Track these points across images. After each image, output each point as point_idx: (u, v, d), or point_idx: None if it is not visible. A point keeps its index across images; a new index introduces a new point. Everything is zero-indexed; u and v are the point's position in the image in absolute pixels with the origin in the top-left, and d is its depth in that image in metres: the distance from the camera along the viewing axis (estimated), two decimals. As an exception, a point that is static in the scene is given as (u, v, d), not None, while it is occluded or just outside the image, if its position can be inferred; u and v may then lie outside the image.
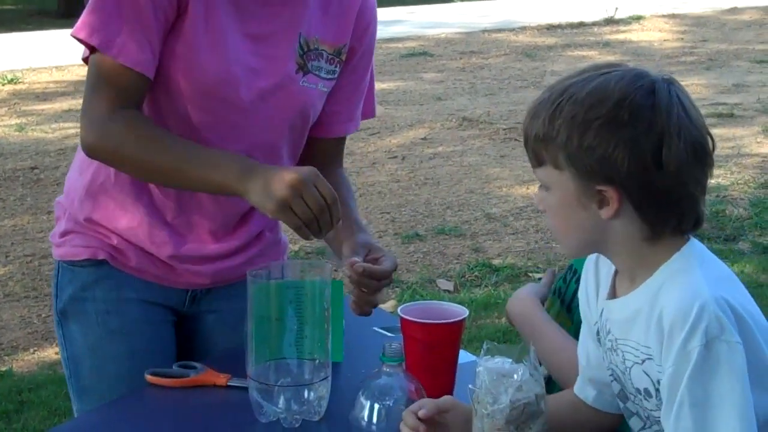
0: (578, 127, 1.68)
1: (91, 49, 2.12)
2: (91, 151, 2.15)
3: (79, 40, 2.13)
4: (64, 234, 2.33)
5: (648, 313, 1.71)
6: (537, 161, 1.76)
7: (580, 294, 1.96)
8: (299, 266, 2.13)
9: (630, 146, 1.66)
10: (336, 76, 2.32)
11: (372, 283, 2.16)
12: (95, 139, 2.13)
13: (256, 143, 2.23)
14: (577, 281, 2.03)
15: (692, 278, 1.68)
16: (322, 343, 2.02)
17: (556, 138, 1.70)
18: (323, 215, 2.00)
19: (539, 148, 1.74)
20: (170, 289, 2.33)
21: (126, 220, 2.26)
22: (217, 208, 2.27)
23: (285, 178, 1.99)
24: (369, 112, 2.48)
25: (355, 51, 2.34)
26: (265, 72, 2.21)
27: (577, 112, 1.68)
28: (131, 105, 2.13)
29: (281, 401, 1.99)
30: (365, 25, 2.35)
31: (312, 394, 2.01)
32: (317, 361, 2.02)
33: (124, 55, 2.08)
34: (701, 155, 1.70)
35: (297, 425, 1.99)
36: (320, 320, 2.01)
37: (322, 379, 2.02)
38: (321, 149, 2.40)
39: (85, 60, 2.16)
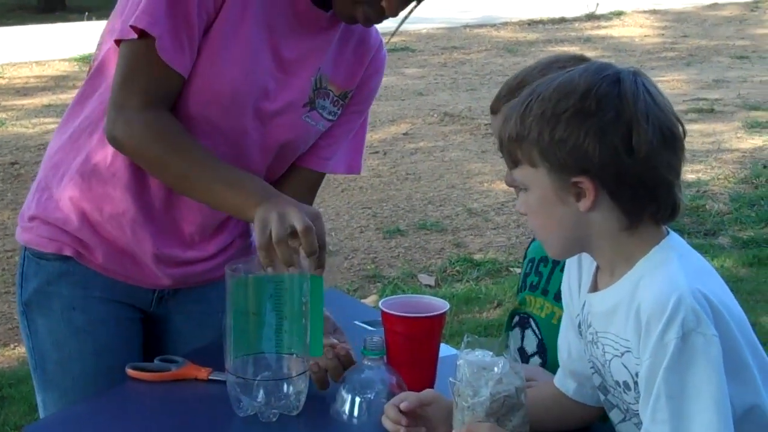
0: (548, 121, 1.70)
1: (140, 35, 2.04)
2: (114, 143, 2.11)
3: (133, 28, 2.05)
4: (32, 218, 2.28)
5: (627, 306, 1.72)
6: (513, 162, 1.77)
7: (563, 287, 1.97)
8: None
9: (599, 135, 1.68)
10: (336, 118, 2.31)
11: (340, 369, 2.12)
12: (121, 134, 2.09)
13: (252, 158, 2.22)
14: (557, 270, 2.04)
15: (670, 271, 1.70)
16: (300, 338, 2.01)
17: (528, 135, 1.72)
18: (310, 254, 1.97)
19: (514, 148, 1.75)
20: (136, 288, 2.30)
21: (112, 207, 2.21)
22: (199, 213, 2.25)
23: (291, 214, 1.97)
24: (355, 168, 2.43)
25: (358, 96, 2.34)
26: (277, 95, 2.20)
27: (546, 108, 1.71)
28: (163, 104, 2.09)
29: (260, 395, 1.99)
30: (372, 71, 2.35)
31: (290, 388, 2.00)
32: (295, 355, 2.01)
33: (164, 50, 2.04)
34: (671, 140, 1.71)
35: (274, 419, 1.99)
36: (299, 315, 2.01)
37: (301, 374, 2.01)
38: (297, 178, 2.36)
39: (117, 43, 2.10)
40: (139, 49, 2.06)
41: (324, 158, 2.36)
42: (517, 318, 2.27)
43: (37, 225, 2.27)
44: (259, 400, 1.99)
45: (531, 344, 2.23)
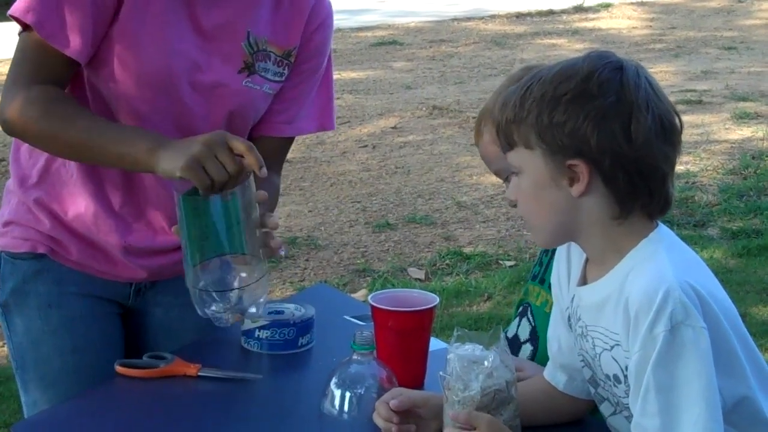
0: (548, 103, 1.70)
1: (25, 27, 2.09)
2: (5, 127, 2.12)
3: (15, 18, 2.09)
4: (6, 224, 2.30)
5: (616, 299, 1.72)
6: (508, 145, 1.77)
7: (553, 279, 1.97)
8: None
9: (599, 119, 1.68)
10: (284, 78, 2.28)
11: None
12: (9, 114, 2.09)
13: (188, 134, 2.13)
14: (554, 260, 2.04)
15: (658, 264, 1.69)
16: (251, 240, 1.98)
17: (527, 117, 1.72)
18: (236, 178, 1.94)
19: (511, 130, 1.75)
20: (113, 282, 2.30)
21: (74, 206, 2.22)
22: (165, 199, 2.21)
23: (198, 138, 1.96)
24: (328, 124, 2.40)
25: (304, 52, 2.29)
26: (207, 67, 2.17)
27: (546, 90, 1.71)
28: (50, 83, 2.10)
29: (216, 303, 1.97)
30: (316, 25, 2.29)
31: (246, 292, 1.98)
32: (249, 255, 1.98)
33: (53, 36, 2.06)
34: (670, 132, 1.72)
35: (232, 322, 2.00)
36: (245, 218, 1.98)
37: (259, 278, 1.98)
38: (260, 149, 2.31)
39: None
40: (24, 36, 2.11)
41: (282, 122, 2.33)
42: (521, 308, 2.29)
43: (11, 229, 2.29)
44: (216, 305, 1.97)
45: (525, 331, 2.24)
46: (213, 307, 1.98)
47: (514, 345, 2.23)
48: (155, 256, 2.29)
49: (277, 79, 2.26)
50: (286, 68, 2.27)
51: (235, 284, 1.98)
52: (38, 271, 2.27)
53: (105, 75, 2.13)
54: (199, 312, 1.99)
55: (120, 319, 2.35)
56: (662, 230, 1.77)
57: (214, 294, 1.97)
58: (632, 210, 1.73)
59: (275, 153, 2.35)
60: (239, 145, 1.94)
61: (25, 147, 2.28)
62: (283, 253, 2.09)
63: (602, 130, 1.68)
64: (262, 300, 2.02)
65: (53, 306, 2.27)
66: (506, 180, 2.18)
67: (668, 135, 1.72)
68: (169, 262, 2.29)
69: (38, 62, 2.10)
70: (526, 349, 2.22)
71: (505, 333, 2.30)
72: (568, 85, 1.70)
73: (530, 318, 2.23)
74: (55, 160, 2.22)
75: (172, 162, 1.95)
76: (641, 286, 1.67)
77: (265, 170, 1.96)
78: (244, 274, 1.98)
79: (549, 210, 1.76)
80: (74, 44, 2.07)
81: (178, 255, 2.26)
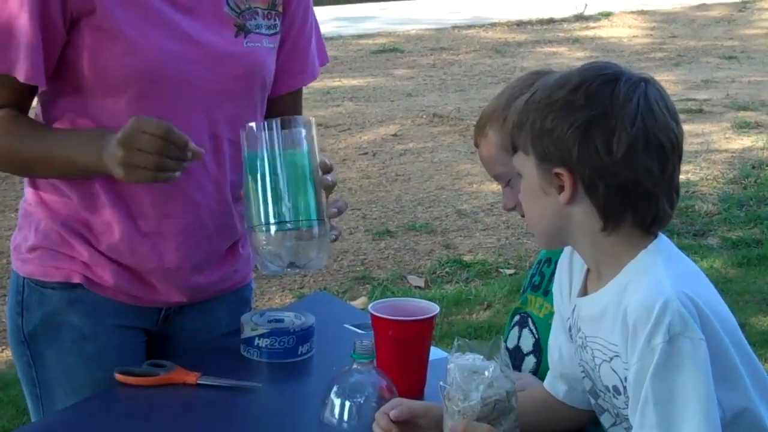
0: (542, 110, 1.73)
1: None
2: None
3: None
4: (33, 249, 2.21)
5: (614, 311, 1.72)
6: (513, 149, 1.81)
7: (554, 290, 1.97)
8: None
9: (582, 129, 1.69)
10: (278, 30, 2.25)
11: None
12: None
13: (216, 118, 2.17)
14: None
15: (655, 275, 1.69)
16: (315, 204, 2.04)
17: (526, 123, 1.75)
18: (167, 151, 1.95)
19: (515, 135, 1.79)
20: (145, 309, 2.25)
21: (107, 232, 2.16)
22: (196, 213, 2.19)
23: (113, 141, 1.97)
24: (323, 59, 2.41)
25: None
26: (204, 41, 2.14)
27: (543, 97, 1.74)
28: (10, 107, 2.10)
29: (280, 248, 2.01)
30: None
31: (313, 247, 2.03)
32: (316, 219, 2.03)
33: (2, 64, 2.05)
34: (656, 149, 1.70)
35: (296, 272, 2.02)
36: (310, 182, 2.04)
37: (323, 235, 2.04)
38: (279, 108, 2.32)
39: None
40: None
41: (300, 72, 2.35)
42: (517, 317, 2.27)
43: (39, 255, 2.21)
44: (279, 251, 2.01)
45: (527, 343, 2.23)
46: (272, 267, 2.02)
47: (517, 357, 2.21)
48: (193, 275, 2.25)
49: (272, 32, 2.24)
50: (277, 19, 2.25)
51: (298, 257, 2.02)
52: (72, 302, 2.20)
53: (85, 83, 2.09)
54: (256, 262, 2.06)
55: (145, 346, 2.31)
56: (661, 241, 1.77)
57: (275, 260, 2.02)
58: (619, 223, 1.73)
59: (298, 106, 2.39)
60: (153, 128, 1.95)
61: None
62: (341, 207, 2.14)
63: (583, 141, 1.69)
64: (319, 257, 2.05)
65: (88, 338, 2.21)
66: (507, 185, 2.18)
67: (654, 152, 1.70)
68: (208, 281, 2.27)
69: None
70: (530, 361, 2.21)
71: (506, 344, 2.29)
72: (560, 94, 1.72)
73: (533, 330, 2.22)
74: (81, 183, 2.15)
75: (117, 174, 1.99)
76: (639, 298, 1.67)
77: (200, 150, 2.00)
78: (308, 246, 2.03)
79: (542, 215, 1.78)
80: (25, 69, 2.04)
81: (215, 272, 2.28)
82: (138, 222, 2.16)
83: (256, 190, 2.02)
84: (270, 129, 2.03)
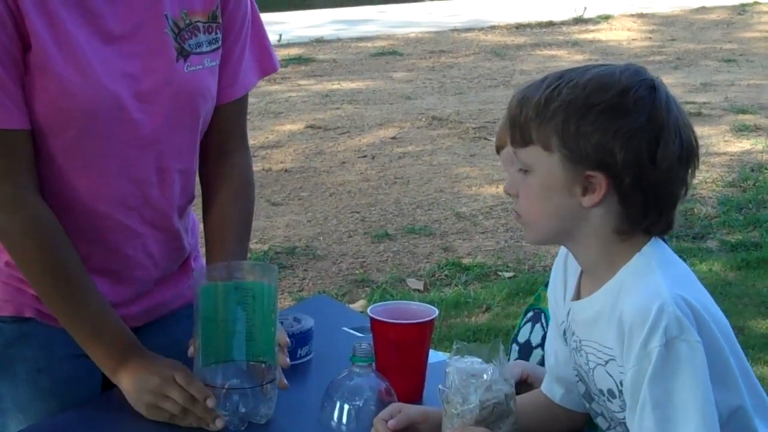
0: (577, 111, 1.68)
1: None
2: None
3: None
4: None
5: (609, 314, 1.71)
6: (524, 141, 1.74)
7: (549, 293, 1.97)
8: (245, 267, 2.09)
9: (628, 137, 1.67)
10: (219, 44, 2.14)
11: None
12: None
13: (163, 150, 2.10)
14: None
15: (651, 279, 1.69)
16: (269, 346, 2.00)
17: (551, 120, 1.69)
18: (195, 407, 1.97)
19: (530, 128, 1.72)
20: None
21: None
22: (129, 241, 2.14)
23: (149, 384, 1.99)
24: (270, 66, 2.29)
25: (225, 5, 2.15)
26: (144, 73, 2.04)
27: (577, 96, 1.69)
28: (24, 169, 1.99)
29: (228, 404, 1.98)
30: None
31: (259, 396, 1.99)
32: (265, 363, 2.00)
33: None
34: (690, 157, 1.72)
35: (243, 428, 1.99)
36: (267, 323, 1.99)
37: (269, 381, 2.00)
38: (215, 122, 2.21)
39: None
40: None
41: (227, 87, 2.21)
42: (531, 313, 2.29)
43: None
44: (227, 408, 1.98)
45: (537, 337, 2.24)
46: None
47: (526, 349, 2.25)
48: (141, 300, 2.21)
49: (213, 47, 2.13)
50: (218, 31, 2.13)
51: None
52: (24, 335, 2.14)
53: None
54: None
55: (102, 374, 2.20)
56: (654, 244, 1.76)
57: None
58: (638, 228, 1.73)
59: (234, 121, 2.27)
60: (192, 388, 1.97)
61: None
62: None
63: (630, 149, 1.67)
64: (270, 405, 2.02)
65: (42, 371, 2.14)
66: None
67: (687, 159, 1.72)
68: (155, 304, 2.24)
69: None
70: (537, 353, 2.23)
71: (517, 338, 2.30)
72: (601, 96, 1.68)
73: (543, 324, 2.23)
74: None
75: (134, 403, 2.01)
76: (635, 301, 1.67)
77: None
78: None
79: (552, 213, 1.74)
80: (17, 116, 1.96)
81: (160, 293, 2.24)
82: (85, 260, 2.09)
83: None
84: None
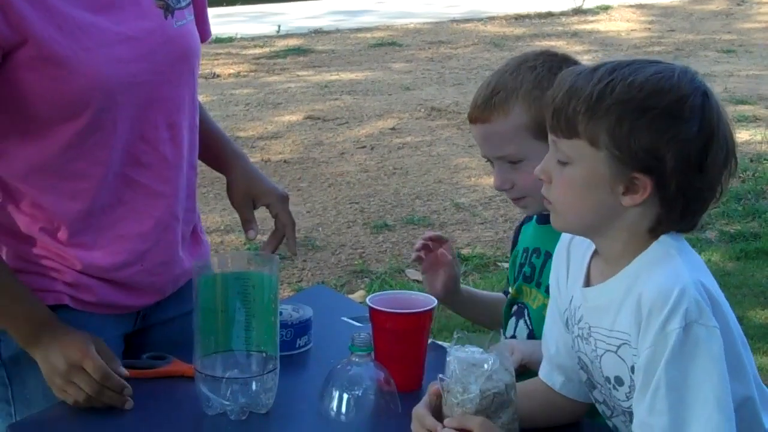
0: (632, 112, 1.66)
1: None
2: None
3: None
4: (15, 272, 2.10)
5: (624, 299, 1.71)
6: (569, 133, 1.71)
7: (551, 281, 1.96)
8: (245, 257, 2.09)
9: (681, 144, 1.66)
10: None
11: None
12: None
13: (170, 108, 2.13)
14: (549, 262, 2.03)
15: (672, 263, 1.69)
16: (269, 336, 2.00)
17: (603, 118, 1.67)
18: (102, 396, 2.00)
19: (576, 121, 1.69)
20: (123, 316, 2.22)
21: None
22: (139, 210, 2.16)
23: (58, 367, 2.01)
24: (204, 33, 2.32)
25: None
26: (143, 34, 2.06)
27: (633, 97, 1.66)
28: None
29: (228, 393, 1.98)
30: None
31: (259, 386, 1.99)
32: (265, 353, 2.00)
33: None
34: (732, 164, 1.72)
35: (244, 418, 1.98)
36: (267, 312, 1.99)
37: (270, 371, 2.00)
38: None
39: None
40: None
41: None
42: (515, 307, 2.26)
43: (22, 278, 2.11)
44: (227, 398, 1.98)
45: (522, 334, 2.23)
46: (211, 400, 2.00)
47: None
48: (169, 268, 2.23)
49: (187, 2, 2.18)
50: None
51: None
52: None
53: (27, 117, 2.01)
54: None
55: (123, 354, 2.25)
56: (670, 233, 1.76)
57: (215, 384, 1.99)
58: (672, 229, 1.73)
59: None
60: (96, 372, 2.00)
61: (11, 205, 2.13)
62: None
63: (681, 156, 1.66)
64: (270, 395, 2.02)
65: None
66: (513, 166, 2.13)
67: (730, 167, 1.72)
68: (183, 269, 2.24)
69: None
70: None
71: (504, 333, 2.29)
72: (659, 100, 1.66)
73: (527, 321, 2.22)
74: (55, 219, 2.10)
75: (46, 378, 2.04)
76: (656, 284, 1.66)
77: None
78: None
79: (590, 208, 1.73)
80: None
81: (185, 258, 2.25)
82: (122, 227, 2.13)
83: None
84: None
